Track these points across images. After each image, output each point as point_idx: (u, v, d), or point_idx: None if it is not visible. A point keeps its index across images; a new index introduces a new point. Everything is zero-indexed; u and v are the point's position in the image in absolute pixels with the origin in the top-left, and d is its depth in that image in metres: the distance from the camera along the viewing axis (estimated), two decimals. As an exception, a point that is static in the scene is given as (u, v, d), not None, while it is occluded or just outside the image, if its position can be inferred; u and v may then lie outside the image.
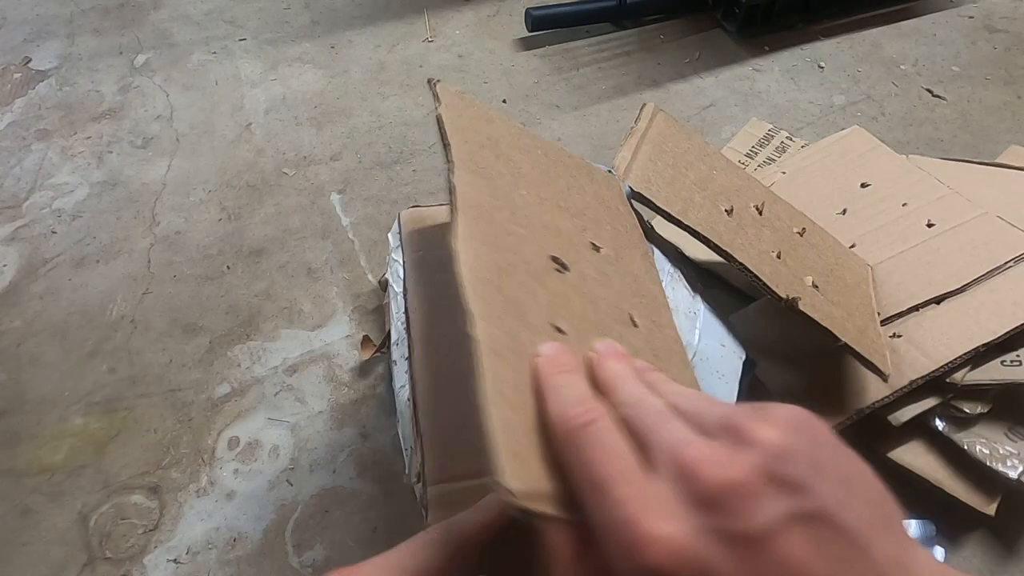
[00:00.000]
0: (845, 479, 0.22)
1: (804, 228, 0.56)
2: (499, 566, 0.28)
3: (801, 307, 0.46)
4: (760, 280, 0.46)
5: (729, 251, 0.46)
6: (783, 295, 0.46)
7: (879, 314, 0.54)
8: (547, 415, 0.25)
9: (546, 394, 0.26)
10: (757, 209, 0.52)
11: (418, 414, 0.36)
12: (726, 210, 0.50)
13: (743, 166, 0.75)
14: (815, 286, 0.49)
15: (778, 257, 0.49)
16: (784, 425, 0.22)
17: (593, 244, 0.38)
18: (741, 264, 0.46)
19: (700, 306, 0.49)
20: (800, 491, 0.20)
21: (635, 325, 0.35)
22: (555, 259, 0.34)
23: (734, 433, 0.22)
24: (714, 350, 0.48)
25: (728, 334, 0.48)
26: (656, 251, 0.47)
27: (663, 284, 0.41)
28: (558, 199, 0.39)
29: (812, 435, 0.22)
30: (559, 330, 0.30)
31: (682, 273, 0.49)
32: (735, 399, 0.48)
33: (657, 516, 0.21)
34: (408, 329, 0.40)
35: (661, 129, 0.54)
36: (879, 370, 0.47)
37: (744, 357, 0.50)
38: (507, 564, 0.28)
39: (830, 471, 0.21)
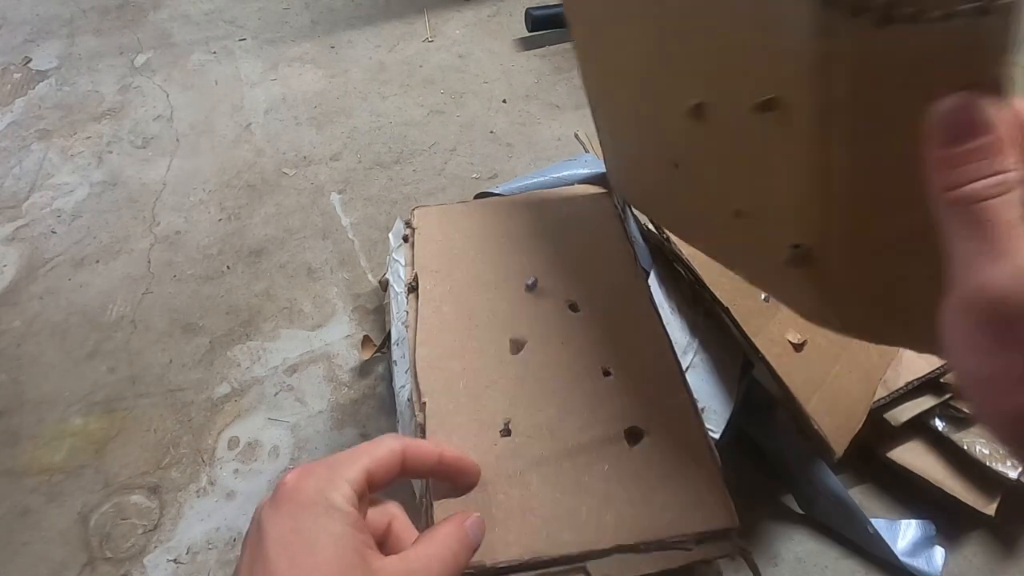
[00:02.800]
0: None
1: None
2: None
3: (764, 355, 0.44)
4: (731, 316, 0.45)
5: (703, 279, 0.45)
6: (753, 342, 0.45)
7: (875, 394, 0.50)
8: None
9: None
10: None
11: (424, 414, 0.36)
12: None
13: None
14: (798, 345, 0.46)
15: (765, 300, 0.47)
16: None
17: (568, 302, 0.42)
18: (713, 295, 0.45)
19: (700, 307, 0.49)
20: None
21: (608, 375, 0.38)
22: (513, 341, 0.39)
23: None
24: (713, 351, 0.48)
25: (726, 334, 0.48)
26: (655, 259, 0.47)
27: (660, 297, 0.42)
28: (535, 260, 0.44)
29: None
30: (507, 429, 0.35)
31: (683, 274, 0.49)
32: (733, 400, 0.48)
33: None
34: (411, 328, 0.40)
35: None
36: (827, 444, 0.46)
37: (742, 358, 0.50)
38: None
39: None
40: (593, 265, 0.44)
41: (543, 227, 0.46)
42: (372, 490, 0.28)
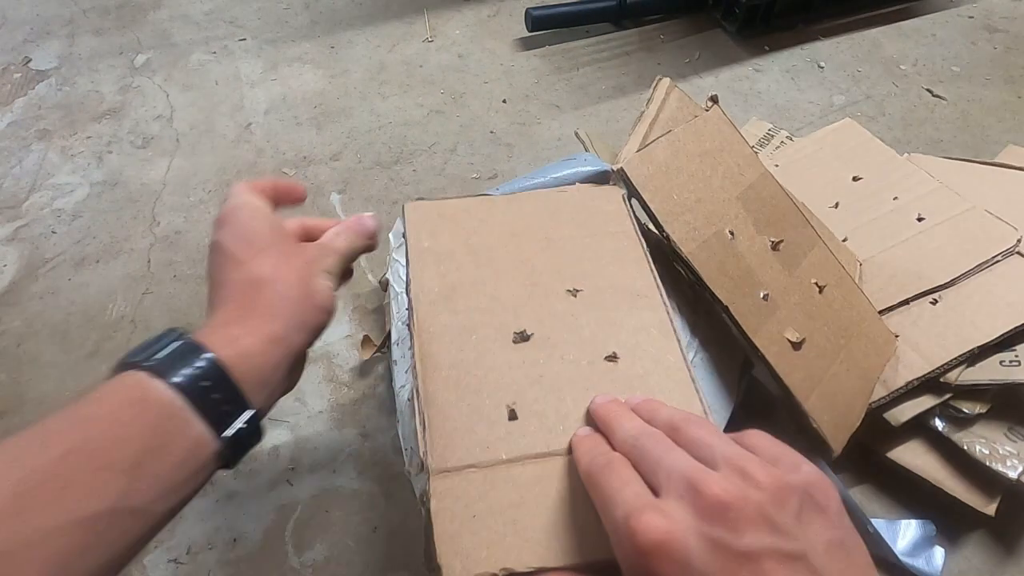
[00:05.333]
0: (834, 542, 0.25)
1: (829, 284, 0.51)
2: None
3: (764, 353, 0.44)
4: (730, 315, 0.45)
5: (703, 277, 0.45)
6: (751, 337, 0.45)
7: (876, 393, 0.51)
8: (581, 474, 0.32)
9: (577, 459, 0.33)
10: (773, 244, 0.49)
11: (422, 403, 0.36)
12: (730, 231, 0.47)
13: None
14: (796, 343, 0.46)
15: (764, 299, 0.47)
16: (789, 476, 0.27)
17: (571, 290, 0.41)
18: (712, 294, 0.45)
19: (700, 306, 0.49)
20: (786, 535, 0.24)
21: (615, 360, 0.38)
22: (517, 333, 0.39)
23: (738, 470, 0.26)
24: (713, 351, 0.48)
25: (726, 333, 0.48)
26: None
27: (663, 295, 0.41)
28: (534, 252, 0.43)
29: (813, 494, 0.26)
30: (513, 413, 0.36)
31: (683, 273, 0.49)
32: (733, 399, 0.48)
33: (655, 512, 0.25)
34: (410, 320, 0.40)
35: (674, 113, 0.51)
36: (825, 442, 0.46)
37: (742, 357, 0.50)
38: None
39: (819, 531, 0.25)
40: (599, 254, 0.43)
41: (546, 219, 0.45)
42: None
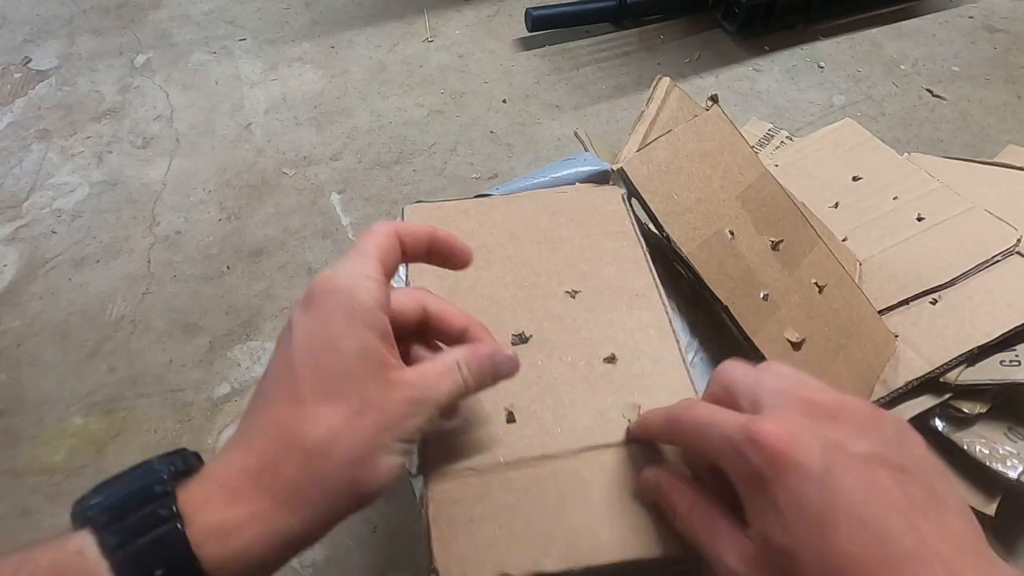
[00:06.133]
0: (933, 464, 0.25)
1: (829, 284, 0.51)
2: None
3: (764, 354, 0.44)
4: (731, 315, 0.45)
5: (703, 277, 0.45)
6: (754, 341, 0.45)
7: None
8: (656, 428, 0.32)
9: (650, 422, 0.33)
10: (773, 244, 0.49)
11: None
12: (730, 231, 0.47)
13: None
14: (797, 343, 0.46)
15: (764, 299, 0.47)
16: (883, 414, 0.27)
17: (570, 291, 0.41)
18: (713, 294, 0.45)
19: (700, 306, 0.49)
20: (892, 447, 0.24)
21: (613, 361, 0.38)
22: (516, 335, 0.39)
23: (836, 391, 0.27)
24: (713, 351, 0.48)
25: (727, 334, 0.48)
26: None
27: (662, 296, 0.41)
28: (533, 253, 0.44)
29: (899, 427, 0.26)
30: (511, 416, 0.35)
31: (683, 273, 0.49)
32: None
33: (771, 420, 0.25)
34: None
35: (674, 112, 0.51)
36: None
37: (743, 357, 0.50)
38: None
39: (918, 450, 0.25)
40: (598, 255, 0.43)
41: (545, 219, 0.46)
42: (388, 277, 0.28)
